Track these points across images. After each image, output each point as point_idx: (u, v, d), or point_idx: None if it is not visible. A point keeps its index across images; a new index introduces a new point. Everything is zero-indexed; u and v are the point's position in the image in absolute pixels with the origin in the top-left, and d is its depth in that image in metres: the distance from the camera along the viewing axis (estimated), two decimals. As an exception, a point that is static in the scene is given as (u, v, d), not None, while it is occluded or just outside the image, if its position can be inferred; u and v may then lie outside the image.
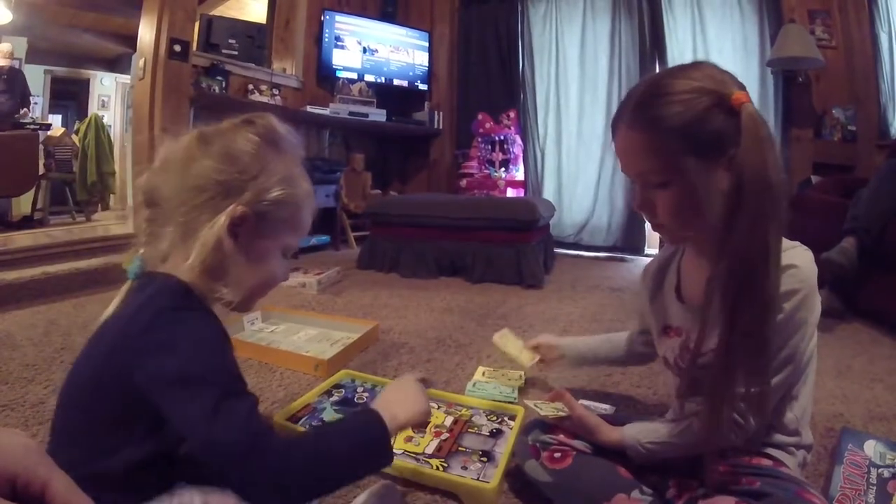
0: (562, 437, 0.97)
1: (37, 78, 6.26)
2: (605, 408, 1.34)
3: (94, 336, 0.69)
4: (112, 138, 6.08)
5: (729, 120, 0.72)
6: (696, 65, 0.78)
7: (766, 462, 0.81)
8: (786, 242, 0.75)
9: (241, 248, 0.72)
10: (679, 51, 4.11)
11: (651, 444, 0.87)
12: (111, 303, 0.73)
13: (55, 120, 6.21)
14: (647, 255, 4.16)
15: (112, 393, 0.63)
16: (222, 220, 0.69)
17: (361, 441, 0.69)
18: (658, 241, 4.13)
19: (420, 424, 0.80)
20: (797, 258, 0.76)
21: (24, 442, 0.62)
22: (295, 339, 1.94)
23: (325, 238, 4.28)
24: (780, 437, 0.83)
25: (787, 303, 0.74)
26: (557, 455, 0.94)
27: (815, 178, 3.33)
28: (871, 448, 1.12)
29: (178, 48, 3.01)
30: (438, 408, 1.29)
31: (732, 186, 0.71)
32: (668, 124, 0.74)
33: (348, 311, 2.36)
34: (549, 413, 0.98)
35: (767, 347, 0.72)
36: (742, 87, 0.75)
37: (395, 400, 0.79)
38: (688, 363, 0.86)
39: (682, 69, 0.78)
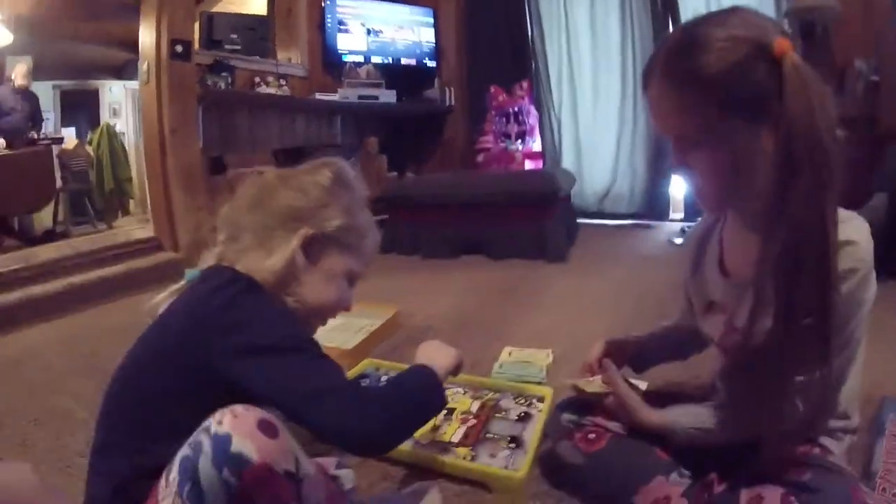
0: (598, 419, 0.92)
1: (46, 94, 6.28)
2: (639, 383, 1.28)
3: (155, 324, 0.76)
4: (126, 145, 6.12)
5: (772, 71, 0.64)
6: (732, 10, 0.69)
7: (815, 450, 0.75)
8: (841, 213, 0.67)
9: (311, 265, 0.81)
10: (693, 10, 3.89)
11: (695, 430, 0.81)
12: (154, 300, 0.81)
13: (68, 132, 6.22)
14: (672, 221, 4.05)
15: (182, 373, 0.68)
16: (295, 240, 0.79)
17: (425, 387, 0.78)
18: (682, 205, 4.03)
19: (458, 368, 0.90)
20: (854, 233, 0.68)
21: (30, 479, 0.62)
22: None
23: (343, 225, 4.26)
24: (829, 422, 0.77)
25: (846, 283, 0.66)
26: (592, 436, 0.89)
27: (840, 134, 3.21)
28: (915, 417, 1.04)
29: (179, 49, 2.97)
30: (465, 393, 1.26)
31: (780, 149, 0.64)
32: (702, 75, 0.66)
33: (370, 296, 2.30)
34: (593, 389, 0.92)
35: (828, 330, 0.64)
36: (785, 34, 0.66)
37: (433, 356, 0.86)
38: (737, 346, 0.79)
39: (717, 15, 0.69)
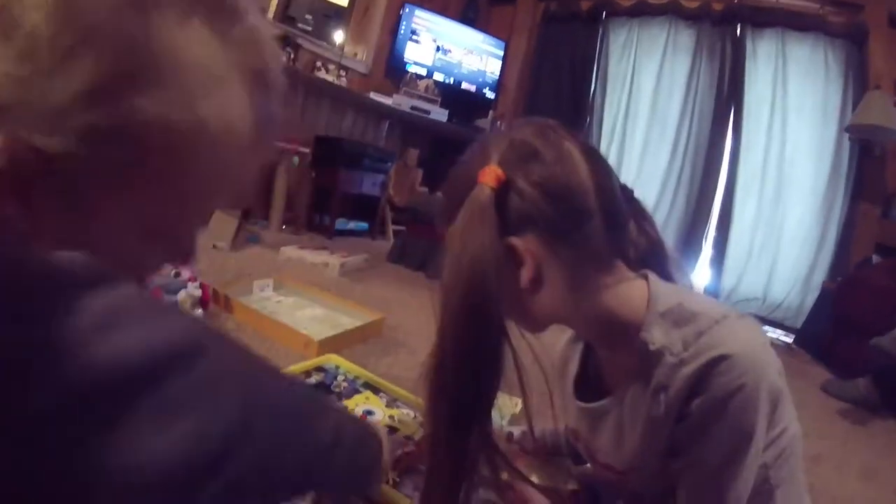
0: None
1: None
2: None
3: None
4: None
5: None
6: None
7: None
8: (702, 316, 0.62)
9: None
10: (756, 101, 3.93)
11: None
12: None
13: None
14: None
15: None
16: None
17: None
18: (709, 272, 3.95)
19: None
20: (734, 343, 0.58)
21: None
22: (298, 315, 1.90)
23: (363, 225, 4.27)
24: None
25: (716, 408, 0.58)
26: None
27: (875, 258, 3.15)
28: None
29: (252, 13, 3.03)
30: (415, 417, 1.21)
31: None
32: None
33: (363, 299, 2.30)
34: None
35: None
36: (503, 164, 0.63)
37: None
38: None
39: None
